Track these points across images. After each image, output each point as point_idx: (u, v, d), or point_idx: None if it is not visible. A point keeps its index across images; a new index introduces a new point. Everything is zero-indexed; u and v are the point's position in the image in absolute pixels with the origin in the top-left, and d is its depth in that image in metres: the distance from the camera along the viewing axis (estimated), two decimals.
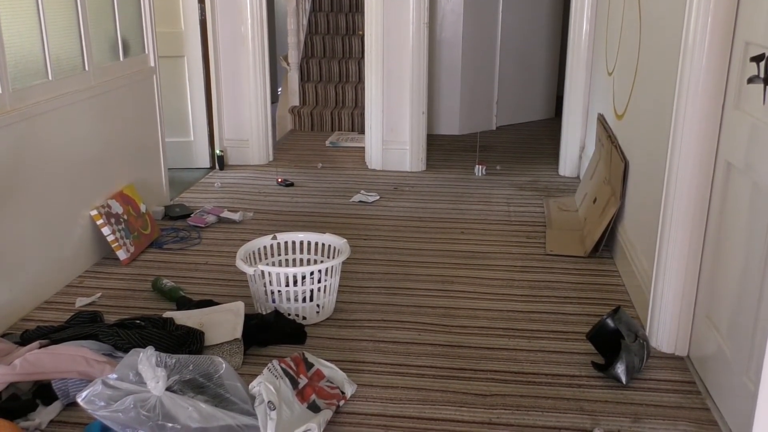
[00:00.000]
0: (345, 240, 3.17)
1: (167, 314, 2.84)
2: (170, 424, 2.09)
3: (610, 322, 2.61)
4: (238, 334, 2.68)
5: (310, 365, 2.47)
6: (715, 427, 2.30)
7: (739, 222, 2.30)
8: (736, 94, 2.36)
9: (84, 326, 2.67)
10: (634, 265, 3.24)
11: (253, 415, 2.18)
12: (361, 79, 6.75)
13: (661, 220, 2.72)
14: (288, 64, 6.90)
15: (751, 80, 2.18)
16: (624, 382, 2.51)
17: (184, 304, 3.06)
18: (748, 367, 2.14)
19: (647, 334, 2.79)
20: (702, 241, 2.61)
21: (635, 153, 3.46)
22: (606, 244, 3.69)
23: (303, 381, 2.37)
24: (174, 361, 2.22)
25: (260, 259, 3.18)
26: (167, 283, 3.24)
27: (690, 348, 2.71)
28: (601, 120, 4.39)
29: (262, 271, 2.91)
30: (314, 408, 2.30)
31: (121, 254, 3.55)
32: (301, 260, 3.29)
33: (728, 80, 2.44)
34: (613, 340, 2.57)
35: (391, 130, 5.29)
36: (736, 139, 2.34)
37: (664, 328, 2.73)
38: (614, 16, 4.24)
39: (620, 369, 2.51)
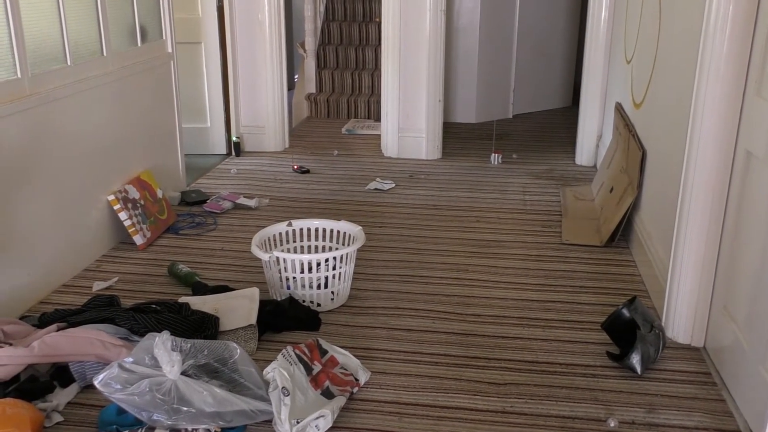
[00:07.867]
0: (360, 227, 3.17)
1: (183, 299, 2.86)
2: (185, 408, 2.11)
3: (625, 311, 2.60)
4: (253, 319, 2.70)
5: (324, 352, 2.48)
6: (730, 418, 2.29)
7: (758, 212, 2.27)
8: (757, 81, 2.33)
9: (101, 310, 2.70)
10: (650, 255, 3.21)
11: (267, 400, 2.20)
12: (377, 66, 6.72)
13: (678, 209, 2.69)
14: (305, 50, 6.89)
15: None
16: (639, 373, 2.50)
17: (200, 289, 3.08)
18: (764, 358, 2.12)
19: (663, 324, 2.77)
20: (720, 231, 2.58)
21: (653, 142, 3.42)
22: (622, 233, 3.67)
23: (317, 367, 2.38)
24: (189, 345, 2.24)
25: (275, 245, 3.19)
26: (183, 268, 3.26)
27: (706, 339, 2.69)
28: (619, 108, 4.35)
29: (278, 258, 2.92)
30: (328, 394, 2.30)
31: (138, 239, 3.58)
32: (316, 247, 3.30)
33: (749, 67, 2.40)
34: (629, 331, 2.56)
35: (407, 118, 5.28)
36: (756, 127, 2.31)
37: (680, 319, 2.72)
38: (634, 2, 4.19)
39: (635, 359, 2.50)
